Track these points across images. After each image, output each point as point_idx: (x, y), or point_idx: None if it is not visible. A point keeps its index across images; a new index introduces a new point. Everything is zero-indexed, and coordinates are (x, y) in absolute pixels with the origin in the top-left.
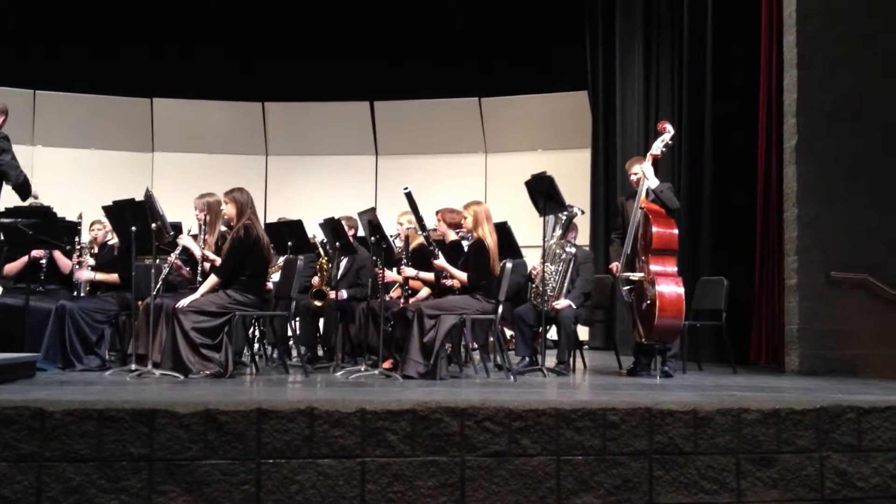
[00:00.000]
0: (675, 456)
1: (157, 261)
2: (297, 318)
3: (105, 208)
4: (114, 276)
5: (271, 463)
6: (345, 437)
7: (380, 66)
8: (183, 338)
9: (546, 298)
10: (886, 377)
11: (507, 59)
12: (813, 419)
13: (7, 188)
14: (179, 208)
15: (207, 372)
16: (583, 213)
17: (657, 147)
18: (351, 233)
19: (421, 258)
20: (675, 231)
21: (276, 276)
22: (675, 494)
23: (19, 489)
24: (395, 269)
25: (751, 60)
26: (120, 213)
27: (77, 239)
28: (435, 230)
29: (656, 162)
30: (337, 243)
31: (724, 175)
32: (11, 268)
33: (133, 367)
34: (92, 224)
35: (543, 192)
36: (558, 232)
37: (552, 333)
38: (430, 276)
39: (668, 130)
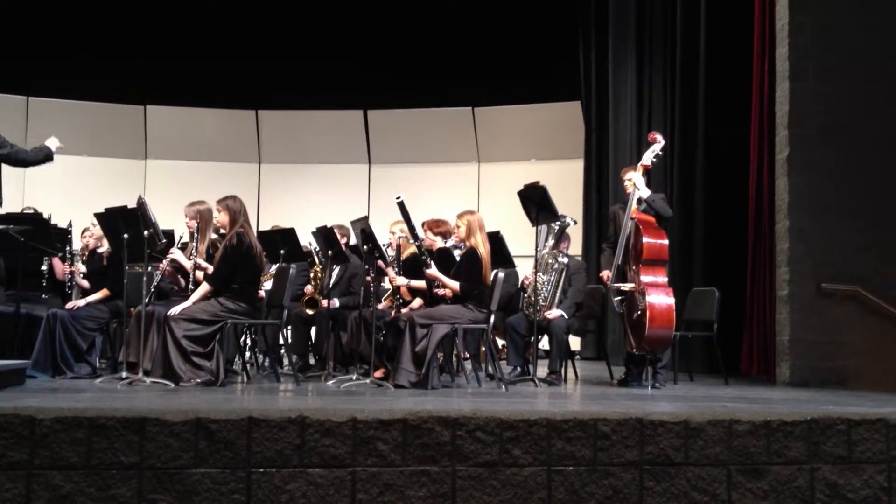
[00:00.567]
0: (666, 467)
1: (149, 268)
2: (289, 327)
3: (97, 215)
4: (104, 293)
5: (262, 472)
6: (336, 446)
7: (373, 75)
8: (174, 345)
9: (538, 308)
10: (877, 389)
11: (500, 69)
12: (804, 431)
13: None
14: (172, 216)
15: (198, 380)
16: (575, 223)
17: (648, 157)
18: (343, 241)
19: (412, 267)
20: (666, 241)
21: (268, 285)
22: None
23: (8, 497)
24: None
25: (743, 72)
26: (112, 220)
27: (69, 247)
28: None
29: (648, 172)
30: (329, 252)
31: (715, 186)
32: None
33: (124, 374)
34: (83, 231)
35: (536, 202)
36: (551, 242)
37: (544, 343)
38: (421, 283)
39: (659, 141)
